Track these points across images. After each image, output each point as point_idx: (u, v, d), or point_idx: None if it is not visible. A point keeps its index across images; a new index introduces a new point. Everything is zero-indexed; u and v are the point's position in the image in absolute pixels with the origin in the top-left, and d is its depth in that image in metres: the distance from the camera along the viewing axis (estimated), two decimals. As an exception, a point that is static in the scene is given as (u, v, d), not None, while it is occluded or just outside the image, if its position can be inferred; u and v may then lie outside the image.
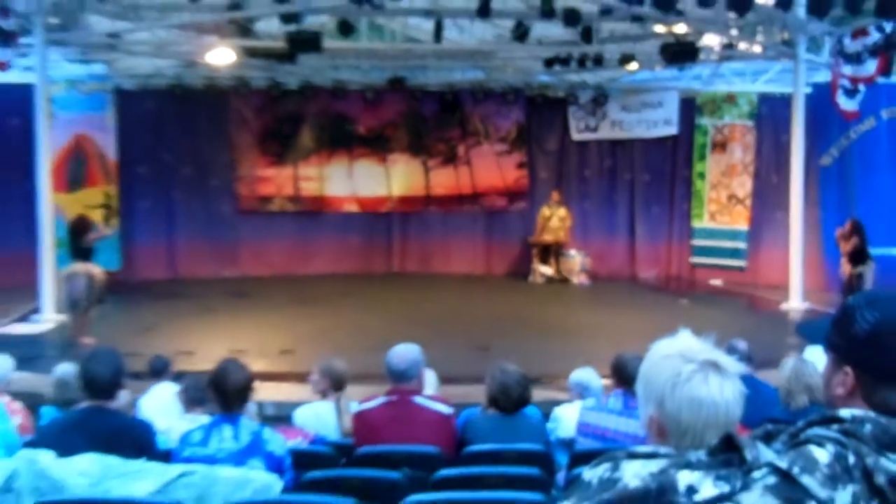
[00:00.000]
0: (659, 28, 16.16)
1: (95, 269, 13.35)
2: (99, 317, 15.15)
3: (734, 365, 2.11)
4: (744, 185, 20.42)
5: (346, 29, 15.08)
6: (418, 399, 5.73)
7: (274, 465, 4.65)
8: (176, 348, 11.57)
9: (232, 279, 20.06)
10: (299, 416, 6.66)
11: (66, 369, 6.33)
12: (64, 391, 6.27)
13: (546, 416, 6.49)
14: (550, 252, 20.29)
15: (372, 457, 5.31)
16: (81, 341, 12.85)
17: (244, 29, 15.27)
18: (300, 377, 10.64)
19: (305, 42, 14.25)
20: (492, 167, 21.49)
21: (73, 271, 13.21)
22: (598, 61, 17.17)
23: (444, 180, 21.51)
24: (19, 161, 17.33)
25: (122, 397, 5.60)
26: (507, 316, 15.80)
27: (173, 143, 20.36)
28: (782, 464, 1.86)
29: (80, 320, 13.20)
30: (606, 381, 6.69)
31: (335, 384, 6.67)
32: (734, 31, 16.38)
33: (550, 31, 16.41)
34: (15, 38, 14.38)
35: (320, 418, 6.56)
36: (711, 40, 16.81)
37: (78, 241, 13.53)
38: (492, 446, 5.55)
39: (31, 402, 7.23)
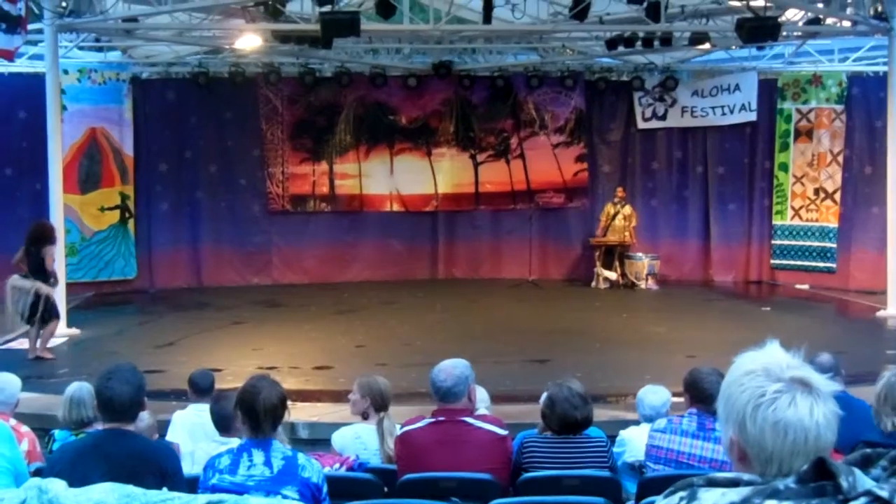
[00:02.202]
0: (735, 2, 16.02)
1: (45, 289, 13.34)
2: (116, 330, 15.36)
3: (827, 384, 2.07)
4: (833, 178, 20.20)
5: (386, 9, 15.10)
6: (468, 420, 5.71)
7: (309, 493, 4.65)
8: (201, 364, 11.61)
9: (262, 287, 20.22)
10: (337, 438, 6.65)
11: (80, 388, 6.39)
12: (77, 412, 6.32)
13: (611, 438, 6.45)
14: (614, 254, 20.20)
15: (418, 484, 5.30)
16: (43, 357, 13.07)
17: (274, 11, 15.31)
18: (337, 396, 10.71)
19: (341, 25, 14.27)
20: (548, 160, 21.45)
21: (18, 286, 13.20)
22: (667, 41, 17.06)
23: (495, 176, 21.50)
24: (27, 158, 17.60)
25: (144, 419, 5.65)
26: (567, 326, 15.75)
27: (196, 137, 20.54)
28: (883, 492, 1.82)
29: (35, 335, 13.31)
30: (679, 400, 6.63)
31: (377, 404, 6.65)
32: (820, 4, 16.21)
33: (613, 8, 16.33)
34: (23, 23, 14.54)
35: (361, 441, 6.55)
36: (794, 15, 16.64)
37: (36, 250, 13.33)
38: (551, 472, 5.52)
39: (41, 424, 7.31)
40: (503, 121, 21.38)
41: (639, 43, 17.04)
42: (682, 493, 1.96)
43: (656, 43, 17.05)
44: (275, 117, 20.88)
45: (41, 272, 13.17)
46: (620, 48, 17.50)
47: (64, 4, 15.23)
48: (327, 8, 14.12)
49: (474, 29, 17.76)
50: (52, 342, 14.25)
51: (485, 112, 21.34)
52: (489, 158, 21.46)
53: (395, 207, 21.41)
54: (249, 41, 17.10)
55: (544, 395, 5.98)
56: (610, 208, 20.33)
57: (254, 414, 4.76)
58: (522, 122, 21.39)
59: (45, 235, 13.38)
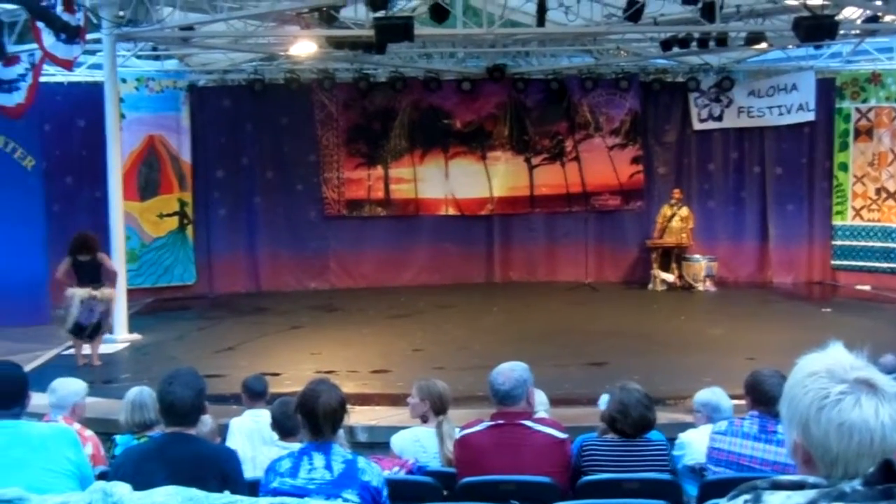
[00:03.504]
0: (791, 1, 15.86)
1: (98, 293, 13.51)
2: (176, 335, 15.53)
3: (891, 384, 2.05)
4: (894, 177, 19.93)
5: (440, 14, 15.11)
6: (527, 423, 5.70)
7: (370, 497, 4.66)
8: (260, 369, 11.72)
9: (319, 292, 20.34)
10: (396, 442, 6.67)
11: (141, 393, 6.46)
12: (139, 416, 6.39)
13: (670, 441, 6.41)
14: (672, 256, 20.10)
15: (477, 487, 5.30)
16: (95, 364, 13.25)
17: (328, 17, 15.40)
18: (395, 399, 10.74)
19: (395, 30, 14.30)
20: (603, 163, 21.36)
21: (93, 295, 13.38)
22: (722, 41, 16.91)
23: (550, 178, 21.44)
24: (87, 167, 17.81)
25: (205, 423, 5.71)
26: (624, 328, 15.66)
27: (252, 143, 20.70)
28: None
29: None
30: (739, 402, 6.57)
31: (436, 407, 6.65)
32: (879, 2, 15.99)
33: (667, 9, 16.21)
34: (82, 33, 14.75)
35: (420, 444, 6.57)
36: (852, 13, 16.44)
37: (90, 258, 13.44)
38: (612, 476, 5.50)
39: (104, 429, 7.39)
40: (558, 123, 21.32)
41: (694, 44, 16.92)
42: (746, 497, 1.95)
43: (712, 43, 16.91)
44: (330, 123, 20.99)
45: (98, 279, 13.37)
46: (675, 49, 17.39)
47: (122, 14, 15.41)
48: (381, 13, 14.16)
49: (528, 32, 17.73)
50: (115, 347, 14.47)
51: (539, 115, 21.29)
52: (544, 161, 21.40)
53: (451, 211, 21.42)
54: (304, 48, 17.19)
55: (606, 399, 5.96)
56: (666, 210, 20.22)
57: (314, 417, 4.78)
58: (577, 124, 21.29)
59: (91, 242, 13.48)
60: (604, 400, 6.37)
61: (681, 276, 19.97)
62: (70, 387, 7.03)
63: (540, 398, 6.76)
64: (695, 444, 6.26)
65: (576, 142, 21.35)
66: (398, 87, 20.67)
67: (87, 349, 13.43)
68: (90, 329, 13.33)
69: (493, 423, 5.74)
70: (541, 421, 5.87)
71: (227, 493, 4.19)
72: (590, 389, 9.31)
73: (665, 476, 5.61)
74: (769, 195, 21.18)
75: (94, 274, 13.26)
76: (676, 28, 16.93)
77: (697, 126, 21.24)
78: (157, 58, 19.88)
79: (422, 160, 21.23)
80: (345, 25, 16.29)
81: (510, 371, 5.75)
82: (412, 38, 14.63)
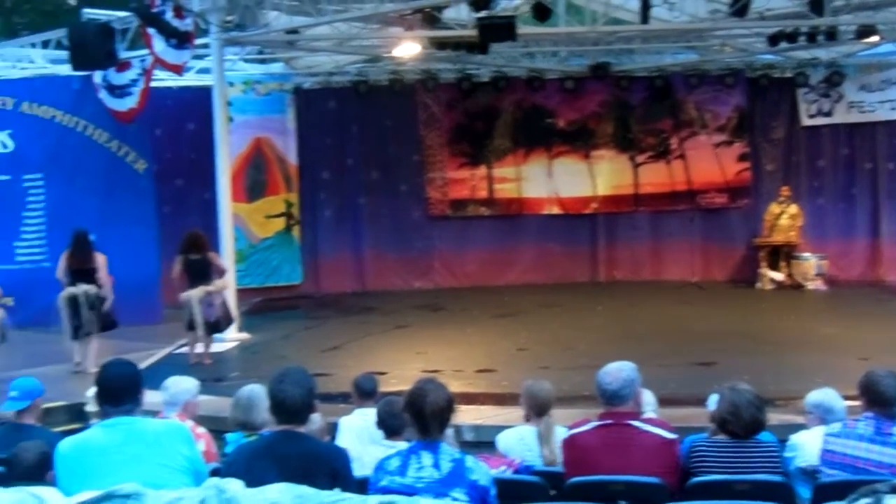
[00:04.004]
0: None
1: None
2: (283, 334, 15.74)
3: None
4: None
5: (542, 13, 15.05)
6: (635, 423, 5.64)
7: (478, 496, 4.66)
8: (366, 368, 11.81)
9: (424, 291, 20.44)
10: (502, 441, 6.67)
11: (251, 391, 6.54)
12: (248, 415, 6.47)
13: (781, 442, 6.29)
14: (780, 255, 19.75)
15: (585, 487, 5.26)
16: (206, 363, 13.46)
17: (431, 18, 15.47)
18: (500, 399, 10.76)
19: (498, 29, 14.32)
20: (709, 160, 21.09)
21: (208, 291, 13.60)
22: (832, 35, 16.56)
23: (655, 177, 21.24)
24: (197, 169, 18.13)
25: (315, 421, 5.75)
26: (733, 328, 15.42)
27: (357, 144, 20.91)
28: None
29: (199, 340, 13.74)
30: (852, 403, 6.43)
31: (538, 409, 6.66)
32: None
33: (774, 3, 15.97)
34: (191, 38, 15.06)
35: (525, 444, 6.56)
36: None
37: (200, 256, 13.68)
38: (723, 477, 5.42)
39: (214, 426, 7.52)
40: (662, 121, 21.11)
41: (802, 38, 16.59)
42: (867, 500, 1.91)
43: (821, 37, 16.56)
44: (433, 123, 21.09)
45: (208, 277, 13.59)
46: (783, 44, 17.06)
47: (229, 19, 15.67)
48: (484, 13, 14.19)
49: (631, 29, 17.57)
50: (224, 346, 14.71)
51: (643, 113, 21.11)
52: (649, 159, 21.21)
53: (555, 210, 21.34)
54: (408, 49, 17.28)
55: (715, 400, 5.87)
56: (775, 208, 19.88)
57: (421, 416, 4.80)
58: (682, 121, 21.07)
59: (201, 241, 13.71)
60: (713, 400, 6.27)
61: (790, 275, 19.61)
62: (182, 384, 7.16)
63: (648, 398, 6.69)
64: (807, 446, 6.14)
65: (681, 139, 21.11)
66: (501, 86, 20.68)
67: (199, 347, 13.67)
68: (219, 323, 13.65)
69: (601, 423, 5.69)
70: (649, 421, 5.80)
71: (336, 490, 4.23)
72: (697, 390, 9.16)
73: (777, 478, 5.50)
74: (881, 191, 20.70)
75: (204, 272, 13.51)
76: (784, 22, 16.61)
77: (806, 122, 20.84)
78: (263, 61, 20.23)
79: (525, 159, 21.20)
80: (448, 26, 16.35)
81: (618, 371, 5.70)
82: (515, 37, 14.65)
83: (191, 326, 13.52)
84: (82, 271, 13.21)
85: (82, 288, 13.13)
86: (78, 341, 13.30)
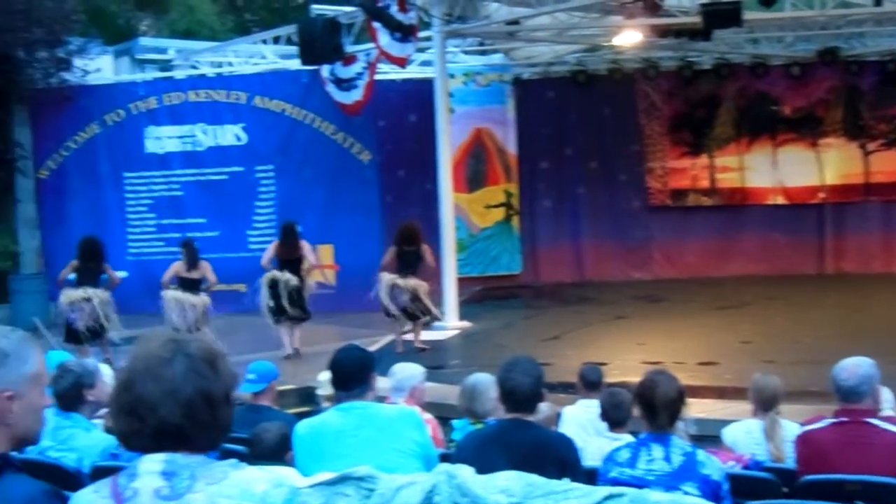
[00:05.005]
0: None
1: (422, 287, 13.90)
2: (503, 323, 15.87)
3: None
4: None
5: (768, -2, 14.70)
6: (874, 421, 5.42)
7: (710, 491, 4.57)
8: (586, 358, 11.77)
9: (643, 282, 20.20)
10: (729, 434, 6.56)
11: (478, 379, 6.62)
12: (474, 403, 6.55)
13: None
14: None
15: (820, 486, 5.10)
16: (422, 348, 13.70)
17: (653, 6, 15.29)
18: (723, 392, 10.57)
19: (723, 15, 14.04)
20: (946, 147, 20.08)
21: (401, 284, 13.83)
22: None
23: (888, 165, 20.28)
24: (418, 160, 18.44)
25: (543, 410, 5.78)
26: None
27: (576, 134, 20.82)
28: None
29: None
30: None
31: (764, 403, 6.51)
32: None
33: None
34: (414, 31, 15.34)
35: (753, 437, 6.43)
36: None
37: (414, 249, 13.91)
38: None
39: (436, 412, 7.66)
40: (895, 107, 20.20)
41: None
42: None
43: None
44: (653, 112, 20.82)
45: (416, 269, 13.80)
46: None
47: (451, 12, 15.88)
48: (708, 0, 13.94)
49: (863, 12, 16.90)
50: (445, 335, 14.93)
51: (875, 99, 20.20)
52: (881, 147, 20.28)
53: (779, 200, 20.73)
54: (629, 37, 17.10)
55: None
56: None
57: (651, 408, 4.76)
58: (918, 107, 20.14)
59: (417, 234, 13.99)
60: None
61: None
62: (409, 370, 7.32)
63: (886, 395, 6.41)
64: None
65: (915, 126, 20.18)
66: (723, 73, 20.20)
67: (408, 336, 13.96)
68: (407, 313, 13.88)
69: (836, 420, 5.50)
70: (889, 419, 5.58)
71: (566, 480, 4.23)
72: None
73: None
74: None
75: (414, 265, 13.76)
76: None
77: None
78: (483, 52, 20.43)
79: (749, 148, 20.68)
80: (670, 13, 16.13)
81: (855, 367, 5.48)
82: (741, 23, 14.36)
83: (387, 313, 13.85)
84: (289, 261, 13.73)
85: (286, 276, 13.62)
86: (280, 325, 13.85)
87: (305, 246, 13.93)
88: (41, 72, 18.03)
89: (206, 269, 13.64)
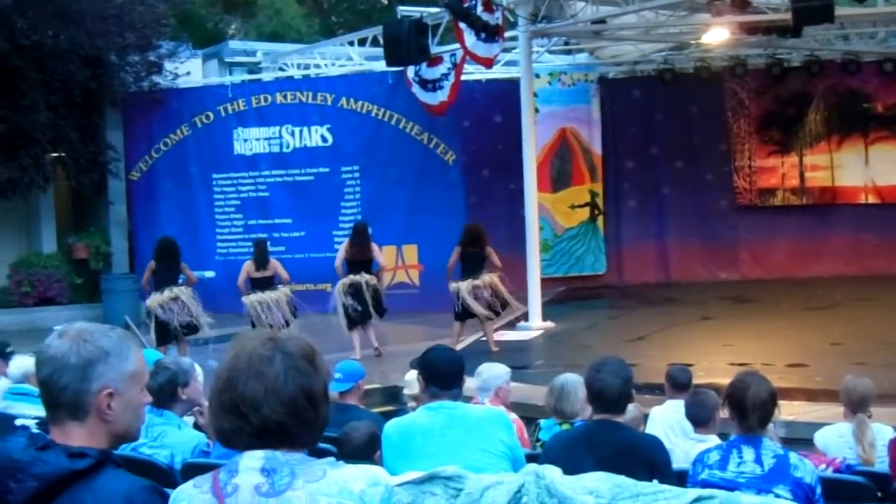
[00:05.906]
0: None
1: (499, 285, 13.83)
2: (588, 324, 15.81)
3: None
4: None
5: (862, -7, 14.46)
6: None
7: (803, 494, 4.53)
8: (672, 359, 11.70)
9: (730, 282, 19.99)
10: (820, 437, 6.50)
11: (566, 380, 6.62)
12: (561, 403, 6.55)
13: None
14: None
15: (914, 492, 5.03)
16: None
17: (742, 3, 15.10)
18: (813, 395, 10.42)
19: (814, 12, 13.80)
20: None
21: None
22: None
23: (982, 163, 19.88)
24: (503, 160, 18.49)
25: (630, 411, 5.77)
26: None
27: (662, 133, 20.68)
28: None
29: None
30: None
31: (853, 405, 6.44)
32: None
33: None
34: (500, 32, 15.36)
35: (845, 441, 6.36)
36: None
37: (478, 250, 13.79)
38: None
39: (521, 413, 7.66)
40: None
41: None
42: None
43: None
44: (741, 110, 20.58)
45: (480, 271, 13.70)
46: None
47: (536, 12, 15.86)
48: (799, -4, 13.74)
49: (959, 6, 16.55)
50: (529, 335, 14.92)
51: (970, 95, 19.82)
52: (974, 146, 19.91)
53: (871, 199, 20.38)
54: (716, 35, 16.92)
55: None
56: None
57: (742, 409, 4.73)
58: None
59: (482, 237, 13.86)
60: None
61: None
62: (495, 370, 7.32)
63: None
64: None
65: None
66: (814, 70, 19.89)
67: (475, 336, 14.03)
68: (490, 311, 13.82)
69: (932, 424, 5.43)
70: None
71: (655, 481, 4.23)
72: None
73: None
74: None
75: (478, 266, 13.69)
76: None
77: None
78: (568, 52, 20.38)
79: (839, 146, 20.33)
80: (759, 10, 15.92)
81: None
82: (832, 19, 14.11)
83: (457, 317, 13.80)
84: (361, 262, 13.74)
85: (364, 277, 13.65)
86: (356, 329, 13.79)
87: (374, 248, 13.98)
88: (132, 75, 18.46)
89: (276, 267, 13.76)
